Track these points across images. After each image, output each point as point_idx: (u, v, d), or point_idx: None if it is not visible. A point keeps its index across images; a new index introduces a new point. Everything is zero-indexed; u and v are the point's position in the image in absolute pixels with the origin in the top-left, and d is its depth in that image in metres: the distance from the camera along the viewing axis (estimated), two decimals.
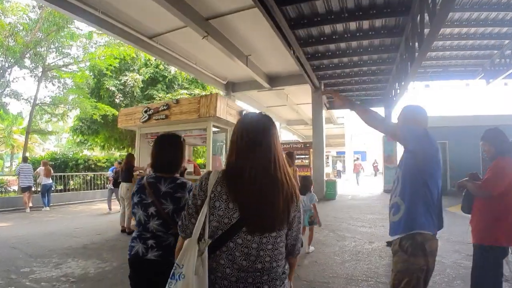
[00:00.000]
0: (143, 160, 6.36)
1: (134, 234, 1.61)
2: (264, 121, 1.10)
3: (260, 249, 0.99)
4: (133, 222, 6.06)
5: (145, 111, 5.68)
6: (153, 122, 5.64)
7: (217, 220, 1.00)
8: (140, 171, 5.76)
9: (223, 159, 6.08)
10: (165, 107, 5.41)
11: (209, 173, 1.09)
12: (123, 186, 5.58)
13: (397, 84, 10.11)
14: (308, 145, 12.91)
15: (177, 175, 1.68)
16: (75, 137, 14.76)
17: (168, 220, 1.51)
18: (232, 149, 1.08)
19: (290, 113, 17.49)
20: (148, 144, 6.63)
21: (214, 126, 5.34)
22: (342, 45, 7.97)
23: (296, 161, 9.87)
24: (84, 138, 15.25)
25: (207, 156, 5.52)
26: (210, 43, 7.68)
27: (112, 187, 8.40)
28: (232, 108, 5.41)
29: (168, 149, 1.66)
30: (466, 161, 11.18)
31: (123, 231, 5.60)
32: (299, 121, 19.57)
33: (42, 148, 26.61)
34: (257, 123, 1.09)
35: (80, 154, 13.34)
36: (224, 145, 6.26)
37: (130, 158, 5.77)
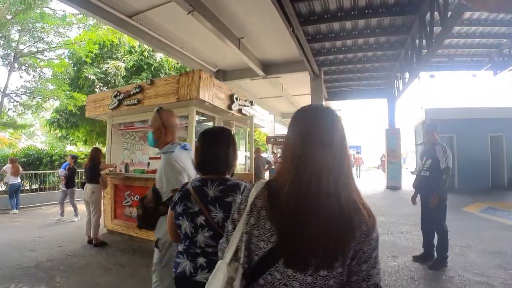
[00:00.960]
0: (116, 156, 5.33)
1: (180, 248, 1.36)
2: (327, 114, 0.80)
3: None
4: (104, 231, 5.09)
5: (115, 96, 4.58)
6: (123, 109, 4.53)
7: (252, 242, 0.78)
8: (110, 169, 4.75)
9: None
10: (137, 90, 4.29)
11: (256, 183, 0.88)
12: (88, 187, 4.48)
13: (406, 73, 9.31)
14: None
15: (228, 176, 1.40)
16: (52, 131, 13.53)
17: (219, 232, 1.24)
18: (283, 151, 0.84)
19: (285, 105, 16.56)
20: (123, 137, 5.61)
21: (198, 113, 4.25)
22: (348, 24, 7.06)
23: None
24: (66, 133, 14.11)
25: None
26: (197, 25, 6.58)
27: (65, 188, 6.78)
28: (220, 91, 4.32)
29: (217, 144, 1.38)
30: (475, 155, 10.60)
31: (89, 242, 4.59)
32: None
33: (28, 145, 25.23)
34: (318, 117, 0.80)
35: (56, 150, 12.07)
36: None
37: (95, 153, 4.64)
